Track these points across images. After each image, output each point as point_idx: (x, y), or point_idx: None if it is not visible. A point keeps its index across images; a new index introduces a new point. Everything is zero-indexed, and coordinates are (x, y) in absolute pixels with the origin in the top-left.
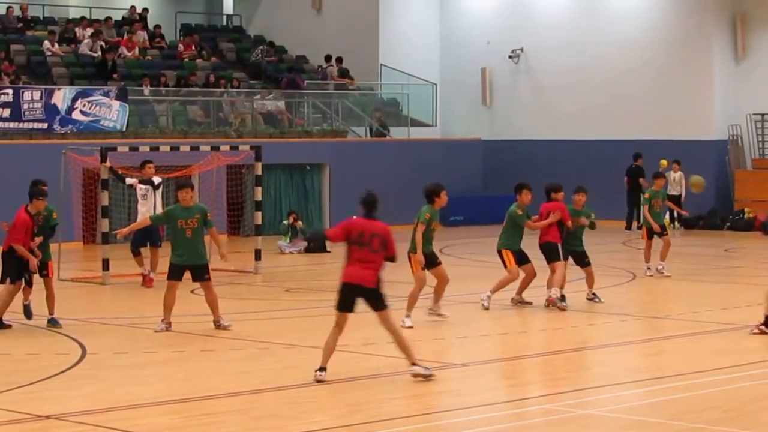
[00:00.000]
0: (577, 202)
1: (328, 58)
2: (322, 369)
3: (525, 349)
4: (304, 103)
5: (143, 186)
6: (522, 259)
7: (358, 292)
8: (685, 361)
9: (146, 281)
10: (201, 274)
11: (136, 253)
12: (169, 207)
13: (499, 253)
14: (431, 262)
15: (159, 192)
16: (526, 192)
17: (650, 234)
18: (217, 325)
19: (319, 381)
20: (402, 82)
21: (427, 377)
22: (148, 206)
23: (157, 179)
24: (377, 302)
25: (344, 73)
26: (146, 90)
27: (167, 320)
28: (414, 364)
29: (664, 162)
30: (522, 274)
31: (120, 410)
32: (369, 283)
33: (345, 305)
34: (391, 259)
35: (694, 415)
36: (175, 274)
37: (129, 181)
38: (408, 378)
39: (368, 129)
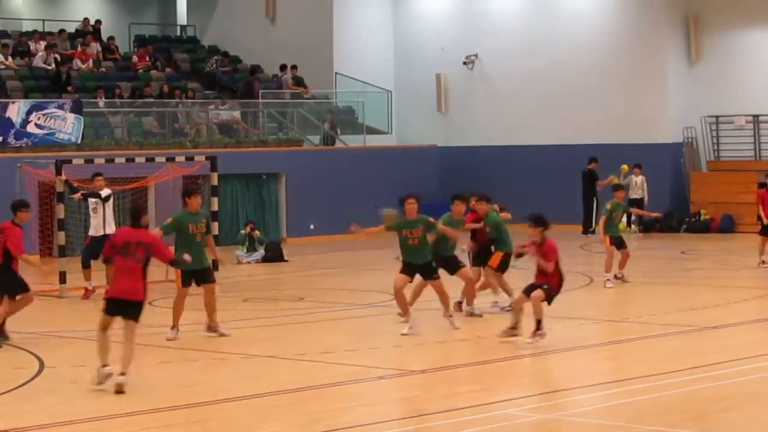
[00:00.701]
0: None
1: (282, 67)
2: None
3: (484, 354)
4: (259, 113)
5: (92, 199)
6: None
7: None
8: (643, 363)
9: (87, 294)
10: (206, 277)
11: (87, 266)
12: (175, 214)
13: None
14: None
15: (109, 204)
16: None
17: (614, 242)
18: (213, 330)
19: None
20: (357, 89)
21: None
22: (99, 219)
23: (105, 192)
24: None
25: (299, 82)
26: (101, 102)
27: (176, 326)
28: None
29: (625, 167)
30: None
31: (78, 423)
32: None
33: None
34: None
35: (653, 417)
36: (187, 280)
37: (73, 195)
38: (368, 386)
39: (321, 135)
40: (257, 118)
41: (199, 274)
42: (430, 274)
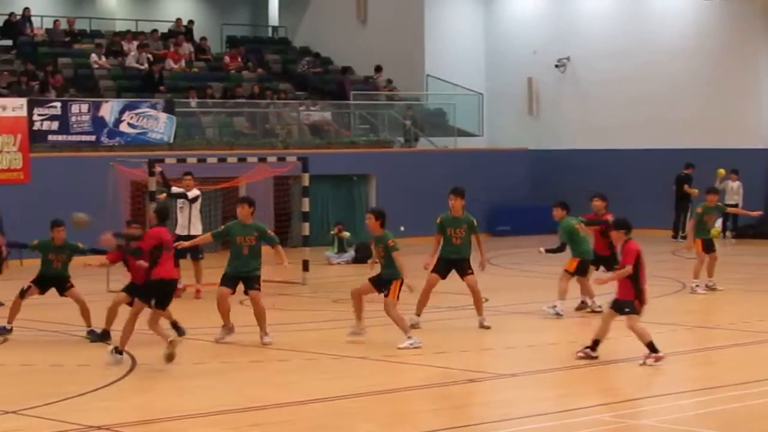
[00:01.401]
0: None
1: (378, 69)
2: None
3: (573, 359)
4: (350, 114)
5: (180, 200)
6: None
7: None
8: (735, 371)
9: (177, 292)
10: (252, 284)
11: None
12: (228, 223)
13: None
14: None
15: (196, 205)
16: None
17: (704, 246)
18: (261, 339)
19: None
20: (448, 92)
21: None
22: (185, 219)
23: (194, 192)
24: None
25: (389, 84)
26: (193, 102)
27: (228, 324)
28: None
29: (721, 171)
30: None
31: (168, 421)
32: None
33: None
34: None
35: (744, 426)
36: (228, 282)
37: (159, 196)
38: (456, 388)
39: (404, 132)
40: (348, 119)
41: (245, 281)
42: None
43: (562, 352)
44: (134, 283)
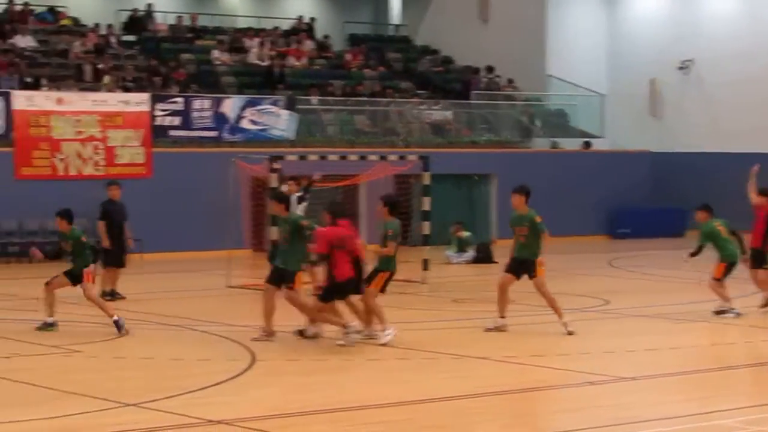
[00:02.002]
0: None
1: (489, 69)
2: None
3: (696, 363)
4: (471, 114)
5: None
6: None
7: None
8: None
9: None
10: (286, 279)
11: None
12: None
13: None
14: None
15: (301, 207)
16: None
17: None
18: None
19: None
20: (569, 92)
21: None
22: None
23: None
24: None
25: (511, 84)
26: (314, 100)
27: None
28: None
29: None
30: None
31: (288, 417)
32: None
33: None
34: None
35: None
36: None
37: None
38: (576, 391)
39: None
40: (470, 119)
41: (283, 275)
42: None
43: (683, 356)
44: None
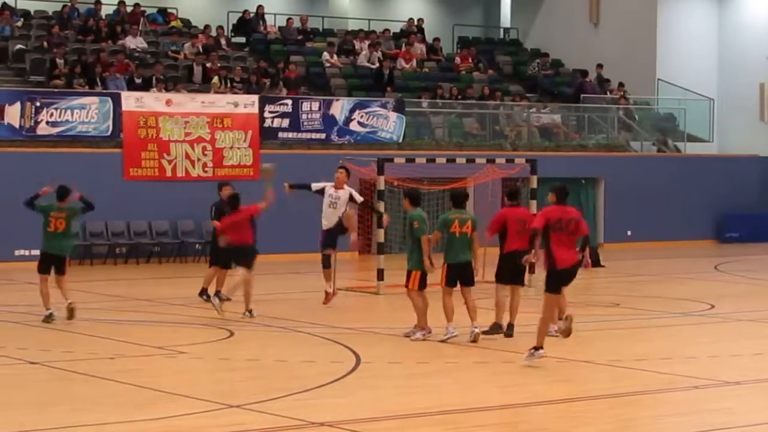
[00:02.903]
0: None
1: (599, 72)
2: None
3: None
4: (581, 117)
5: (334, 194)
6: None
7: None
8: None
9: (327, 299)
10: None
11: (327, 266)
12: (443, 215)
13: None
14: None
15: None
16: None
17: None
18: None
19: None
20: (679, 96)
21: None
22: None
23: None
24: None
25: (621, 87)
26: (424, 102)
27: (449, 322)
28: None
29: None
30: None
31: (392, 419)
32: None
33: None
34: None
35: None
36: (448, 280)
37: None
38: (680, 395)
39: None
40: (578, 122)
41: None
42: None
43: None
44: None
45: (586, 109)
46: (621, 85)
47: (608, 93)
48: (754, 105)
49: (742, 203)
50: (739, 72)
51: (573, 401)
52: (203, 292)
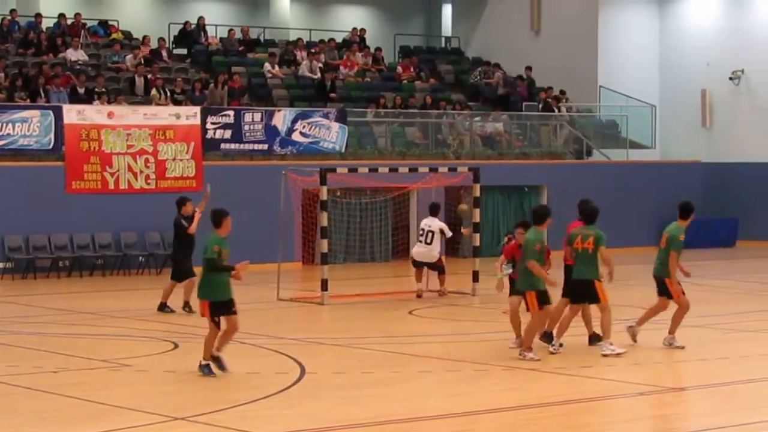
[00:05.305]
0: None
1: (541, 80)
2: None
3: (746, 374)
4: (522, 125)
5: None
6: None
7: None
8: None
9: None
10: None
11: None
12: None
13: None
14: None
15: None
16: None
17: None
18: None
19: None
20: (621, 103)
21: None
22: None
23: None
24: None
25: (562, 95)
26: (369, 112)
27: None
28: None
29: None
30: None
31: (339, 429)
32: None
33: None
34: None
35: None
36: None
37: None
38: (627, 401)
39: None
40: (521, 130)
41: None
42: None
43: (733, 366)
44: None
45: (529, 117)
46: (563, 92)
47: (542, 97)
48: (696, 111)
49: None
50: (680, 78)
51: (522, 409)
52: (186, 305)
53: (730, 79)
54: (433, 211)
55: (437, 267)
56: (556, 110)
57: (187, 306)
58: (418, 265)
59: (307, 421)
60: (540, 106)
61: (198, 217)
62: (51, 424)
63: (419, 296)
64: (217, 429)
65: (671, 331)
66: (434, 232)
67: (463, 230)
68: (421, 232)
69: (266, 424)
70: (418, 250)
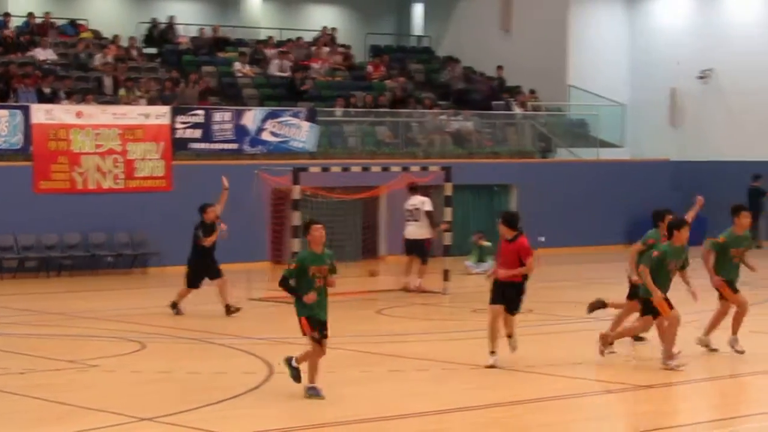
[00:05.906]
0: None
1: (511, 80)
2: None
3: (714, 371)
4: (492, 124)
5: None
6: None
7: None
8: None
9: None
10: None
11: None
12: None
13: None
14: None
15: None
16: (744, 215)
17: None
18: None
19: None
20: (590, 102)
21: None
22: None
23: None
24: None
25: (532, 94)
26: (338, 111)
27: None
28: None
29: None
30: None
31: (306, 429)
32: None
33: None
34: None
35: None
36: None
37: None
38: (595, 399)
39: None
40: (491, 129)
41: None
42: None
43: (702, 364)
44: None
45: (499, 116)
46: (533, 91)
47: (512, 97)
48: (665, 110)
49: (653, 208)
50: (650, 77)
51: (491, 407)
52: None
53: (700, 78)
54: (413, 190)
55: (423, 251)
56: (516, 108)
57: (175, 307)
58: (410, 249)
59: (275, 421)
60: (504, 105)
61: (220, 209)
62: (17, 425)
63: (406, 290)
64: (183, 429)
65: (733, 332)
66: (419, 208)
67: (441, 226)
68: (408, 213)
69: (233, 425)
70: (409, 229)
